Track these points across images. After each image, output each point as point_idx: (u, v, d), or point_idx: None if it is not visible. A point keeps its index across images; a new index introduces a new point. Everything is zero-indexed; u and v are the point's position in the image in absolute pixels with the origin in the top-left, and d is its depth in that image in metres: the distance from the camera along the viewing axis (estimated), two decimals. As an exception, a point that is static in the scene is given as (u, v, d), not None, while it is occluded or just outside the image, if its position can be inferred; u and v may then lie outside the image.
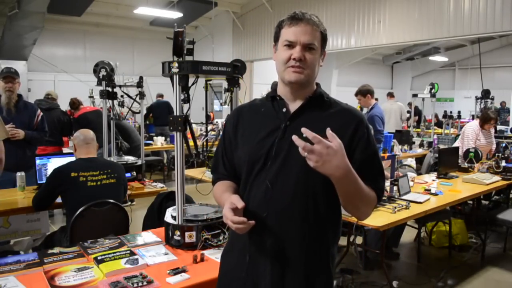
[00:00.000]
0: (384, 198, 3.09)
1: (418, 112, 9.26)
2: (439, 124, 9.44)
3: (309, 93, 1.33)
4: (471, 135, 4.86)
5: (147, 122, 8.02)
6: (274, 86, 1.40)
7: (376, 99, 5.24)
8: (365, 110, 4.96)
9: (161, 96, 8.88)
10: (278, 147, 1.27)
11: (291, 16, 1.29)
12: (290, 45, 1.27)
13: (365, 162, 1.26)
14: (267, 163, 1.28)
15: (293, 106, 1.33)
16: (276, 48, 1.33)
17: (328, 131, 1.10)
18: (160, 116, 8.02)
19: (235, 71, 2.20)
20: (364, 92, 4.76)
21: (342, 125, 1.26)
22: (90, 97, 7.01)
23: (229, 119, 1.46)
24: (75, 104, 5.45)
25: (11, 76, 3.48)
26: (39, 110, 3.75)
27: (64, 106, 6.06)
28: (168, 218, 2.11)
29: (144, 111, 5.38)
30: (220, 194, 1.40)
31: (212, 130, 3.13)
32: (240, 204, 1.22)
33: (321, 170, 1.10)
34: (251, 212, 1.27)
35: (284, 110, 1.32)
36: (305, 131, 1.07)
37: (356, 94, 4.85)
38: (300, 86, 1.31)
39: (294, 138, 1.08)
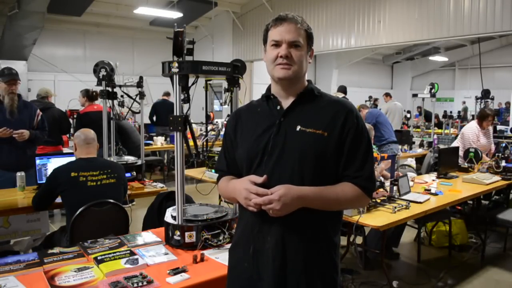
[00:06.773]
0: (384, 198, 3.09)
1: (428, 114, 9.03)
2: (439, 124, 9.40)
3: (300, 89, 1.39)
4: (471, 136, 4.84)
5: (154, 120, 7.91)
6: (269, 87, 1.46)
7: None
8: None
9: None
10: (273, 142, 1.33)
11: (275, 18, 1.37)
12: (277, 44, 1.34)
13: (354, 151, 1.33)
14: (264, 158, 1.34)
15: (286, 103, 1.40)
16: (265, 50, 1.41)
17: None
18: (165, 116, 7.95)
19: (235, 71, 2.20)
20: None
21: (333, 116, 1.34)
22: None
23: (229, 121, 1.53)
24: (89, 94, 5.28)
25: (14, 79, 3.49)
26: (38, 110, 3.75)
27: (64, 106, 6.06)
28: (168, 218, 2.11)
29: (145, 111, 5.33)
30: (226, 183, 1.46)
31: (212, 130, 3.11)
32: (259, 179, 1.30)
33: (284, 213, 1.25)
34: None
35: (278, 107, 1.39)
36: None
37: None
38: (290, 82, 1.37)
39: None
